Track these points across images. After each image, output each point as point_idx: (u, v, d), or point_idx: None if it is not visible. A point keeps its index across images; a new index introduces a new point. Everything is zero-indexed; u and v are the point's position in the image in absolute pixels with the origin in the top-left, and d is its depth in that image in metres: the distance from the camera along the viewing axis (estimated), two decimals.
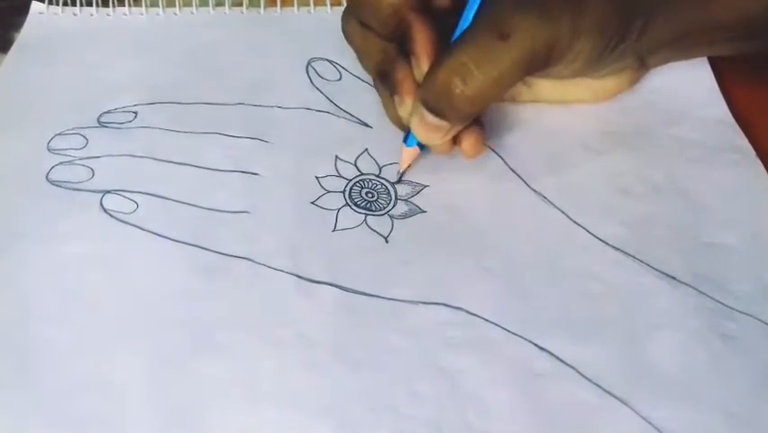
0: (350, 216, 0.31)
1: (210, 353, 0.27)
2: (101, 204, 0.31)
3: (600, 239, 0.31)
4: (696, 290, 0.29)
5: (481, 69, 0.28)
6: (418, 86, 0.31)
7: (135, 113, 0.35)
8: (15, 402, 0.26)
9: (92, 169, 0.32)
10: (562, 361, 0.27)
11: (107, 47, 0.38)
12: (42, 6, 0.40)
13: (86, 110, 0.35)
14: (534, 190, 0.32)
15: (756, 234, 0.31)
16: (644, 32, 0.31)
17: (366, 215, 0.31)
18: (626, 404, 0.26)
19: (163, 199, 0.31)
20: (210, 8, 0.40)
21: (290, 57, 0.38)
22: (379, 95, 0.34)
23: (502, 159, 0.34)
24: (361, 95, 0.36)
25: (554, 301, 0.29)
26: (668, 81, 0.36)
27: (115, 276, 0.29)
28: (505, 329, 0.28)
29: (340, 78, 0.37)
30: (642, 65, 0.34)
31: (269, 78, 0.37)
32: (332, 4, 0.41)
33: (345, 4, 0.40)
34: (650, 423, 0.25)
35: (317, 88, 0.37)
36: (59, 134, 0.34)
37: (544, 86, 0.34)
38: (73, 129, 0.34)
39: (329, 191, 0.32)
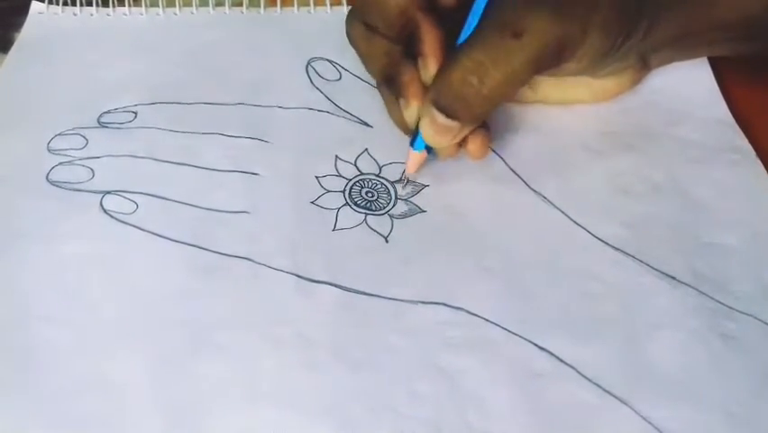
0: (350, 216, 0.31)
1: (210, 353, 0.27)
2: (101, 204, 0.31)
3: (600, 239, 0.31)
4: (696, 289, 0.29)
5: (497, 67, 0.28)
6: (425, 88, 0.31)
7: (135, 113, 0.35)
8: (15, 402, 0.26)
9: (92, 169, 0.32)
10: (561, 361, 0.27)
11: (107, 47, 0.38)
12: (42, 6, 0.40)
13: (86, 110, 0.35)
14: (534, 190, 0.32)
15: (756, 234, 0.31)
16: (650, 32, 0.31)
17: (366, 214, 0.31)
18: (626, 404, 0.26)
19: (163, 200, 0.31)
20: (210, 8, 0.40)
21: (290, 57, 0.38)
22: (384, 99, 0.33)
23: (502, 159, 0.34)
24: (361, 94, 0.36)
25: (554, 301, 0.29)
26: (668, 82, 0.36)
27: (115, 276, 0.29)
28: (505, 329, 0.28)
29: (340, 78, 0.37)
30: (644, 65, 0.34)
31: (269, 78, 0.37)
32: (332, 4, 0.41)
33: (348, 6, 0.40)
34: (650, 423, 0.25)
35: (317, 88, 0.37)
36: (59, 135, 0.34)
37: (546, 86, 0.34)
38: (73, 129, 0.34)
39: (329, 191, 0.32)
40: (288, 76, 0.37)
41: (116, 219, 0.31)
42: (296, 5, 0.41)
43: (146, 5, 0.40)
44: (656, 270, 0.30)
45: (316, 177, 0.33)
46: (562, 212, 0.32)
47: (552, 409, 0.26)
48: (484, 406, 0.26)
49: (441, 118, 0.29)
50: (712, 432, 0.25)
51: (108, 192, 0.31)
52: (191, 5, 0.40)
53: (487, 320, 0.28)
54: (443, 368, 0.27)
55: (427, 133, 0.30)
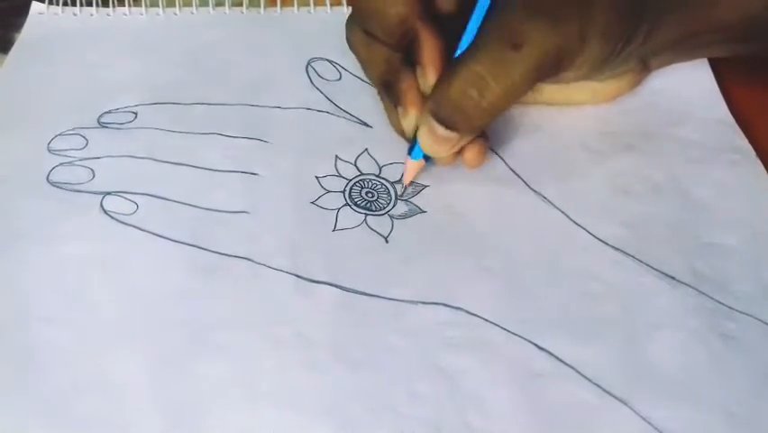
0: (350, 216, 0.31)
1: (210, 353, 0.27)
2: (101, 205, 0.31)
3: (600, 239, 0.31)
4: (696, 290, 0.29)
5: (496, 80, 0.28)
6: (423, 97, 0.31)
7: (135, 113, 0.35)
8: (15, 403, 0.26)
9: (92, 170, 0.32)
10: (561, 361, 0.27)
11: (107, 47, 0.38)
12: (42, 6, 0.40)
13: (86, 110, 0.35)
14: (534, 191, 0.32)
15: (756, 234, 0.31)
16: (650, 36, 0.31)
17: (366, 215, 0.31)
18: (625, 404, 0.26)
19: (163, 200, 0.31)
20: (210, 8, 0.40)
21: (290, 57, 0.38)
22: (383, 105, 0.33)
23: (502, 159, 0.34)
24: (361, 95, 0.36)
25: (554, 301, 0.29)
26: (668, 82, 0.36)
27: (116, 277, 0.29)
28: (505, 329, 0.28)
29: (340, 78, 0.37)
30: (644, 67, 0.34)
31: (269, 78, 0.37)
32: (332, 4, 0.41)
33: (348, 7, 0.40)
34: (650, 423, 0.25)
35: (317, 88, 0.37)
36: (60, 135, 0.34)
37: (547, 89, 0.34)
38: (73, 129, 0.34)
39: (329, 191, 0.32)
40: (288, 76, 0.37)
41: (116, 220, 0.31)
42: (296, 5, 0.41)
43: (146, 5, 0.40)
44: (656, 270, 0.30)
45: (316, 177, 0.33)
46: (562, 212, 0.32)
47: (551, 410, 0.26)
48: (484, 406, 0.26)
49: (440, 129, 0.29)
50: (712, 432, 0.25)
51: (108, 193, 0.31)
52: (191, 5, 0.40)
53: (487, 320, 0.28)
54: (443, 368, 0.27)
55: (425, 143, 0.30)
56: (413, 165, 0.32)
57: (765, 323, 0.28)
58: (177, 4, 0.40)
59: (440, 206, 0.32)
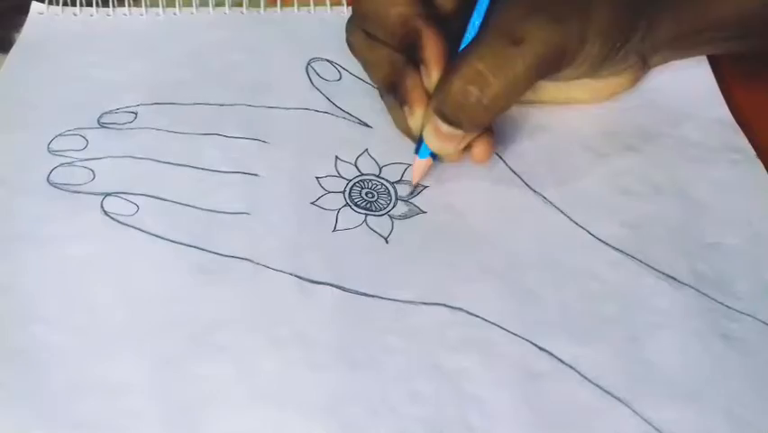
0: (350, 217, 0.31)
1: (211, 354, 0.27)
2: (101, 206, 0.31)
3: (601, 239, 0.31)
4: (696, 290, 0.29)
5: (497, 76, 0.28)
6: (428, 95, 0.31)
7: (135, 113, 0.35)
8: (17, 405, 0.25)
9: (92, 171, 0.32)
10: (561, 361, 0.27)
11: (107, 47, 0.38)
12: (42, 7, 0.40)
13: (86, 111, 0.35)
14: (535, 191, 0.32)
15: (757, 235, 0.31)
16: (648, 33, 0.31)
17: (366, 215, 0.31)
18: (626, 405, 0.26)
19: (163, 201, 0.31)
20: (210, 8, 0.40)
21: (290, 57, 0.38)
22: (387, 106, 0.33)
23: (503, 159, 0.34)
24: (361, 95, 0.36)
25: (555, 302, 0.29)
26: (668, 82, 0.36)
27: (116, 278, 0.29)
28: (505, 330, 0.28)
29: (340, 79, 0.37)
30: (644, 65, 0.34)
31: (269, 78, 0.37)
32: (332, 4, 0.41)
33: (348, 6, 0.40)
34: (650, 424, 0.25)
35: (317, 89, 0.37)
36: (60, 135, 0.34)
37: (546, 87, 0.34)
38: (73, 130, 0.34)
39: (329, 192, 0.32)
40: (288, 76, 0.37)
41: (117, 221, 0.31)
42: (296, 5, 0.41)
43: (146, 6, 0.40)
44: (657, 270, 0.30)
45: (317, 177, 0.33)
46: (563, 212, 0.32)
47: (552, 410, 0.26)
48: (484, 406, 0.26)
49: (444, 127, 0.30)
50: None
51: (109, 194, 0.31)
52: (191, 6, 0.40)
53: (487, 321, 0.28)
54: (443, 368, 0.27)
55: (431, 141, 0.30)
56: (420, 164, 0.32)
57: (766, 323, 0.28)
58: (177, 4, 0.40)
59: (440, 206, 0.32)
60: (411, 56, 0.31)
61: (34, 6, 0.40)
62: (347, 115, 0.35)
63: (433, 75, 0.30)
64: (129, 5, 0.40)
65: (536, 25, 0.28)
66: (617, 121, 0.35)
